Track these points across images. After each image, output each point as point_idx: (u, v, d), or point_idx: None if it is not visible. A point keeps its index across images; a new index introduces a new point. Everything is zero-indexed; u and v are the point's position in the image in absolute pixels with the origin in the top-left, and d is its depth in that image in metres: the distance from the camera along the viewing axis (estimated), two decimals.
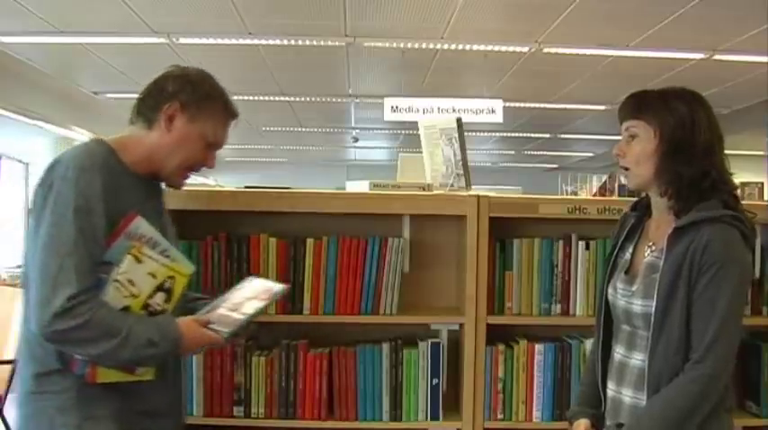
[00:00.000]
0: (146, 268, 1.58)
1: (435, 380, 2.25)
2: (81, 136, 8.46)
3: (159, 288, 1.61)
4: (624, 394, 1.65)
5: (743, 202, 1.61)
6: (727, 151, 1.63)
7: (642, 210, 1.74)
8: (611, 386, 1.70)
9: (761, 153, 10.20)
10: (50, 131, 8.03)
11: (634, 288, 1.64)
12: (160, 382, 1.65)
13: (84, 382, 1.55)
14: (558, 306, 2.31)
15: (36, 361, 1.58)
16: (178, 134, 1.68)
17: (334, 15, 5.40)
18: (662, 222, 1.64)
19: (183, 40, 5.89)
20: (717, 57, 6.14)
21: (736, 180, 1.70)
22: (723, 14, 5.09)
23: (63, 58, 6.83)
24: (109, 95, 8.41)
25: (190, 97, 1.68)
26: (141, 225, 1.58)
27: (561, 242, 2.32)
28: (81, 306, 1.46)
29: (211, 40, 5.89)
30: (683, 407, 1.49)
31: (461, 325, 2.28)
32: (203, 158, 1.75)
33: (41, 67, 6.97)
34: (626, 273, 1.69)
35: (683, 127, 1.57)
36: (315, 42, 6.01)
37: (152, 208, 1.70)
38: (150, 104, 1.69)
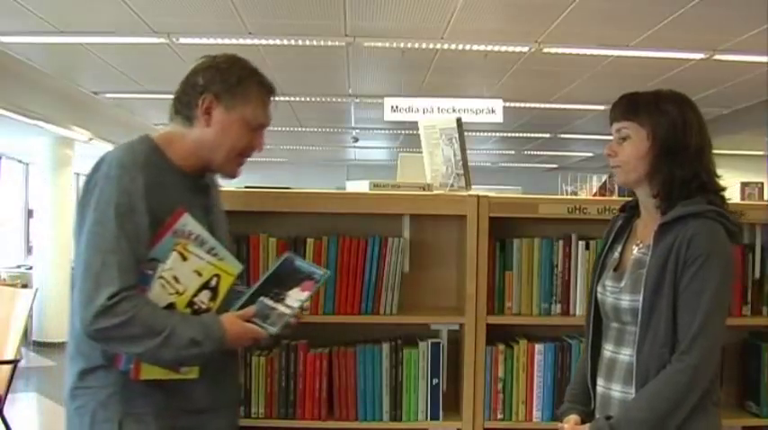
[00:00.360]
0: (191, 265, 1.56)
1: (435, 380, 2.25)
2: (81, 136, 8.45)
3: (205, 286, 1.59)
4: (613, 389, 1.66)
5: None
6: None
7: (631, 211, 1.77)
8: (600, 383, 1.72)
9: (761, 153, 10.18)
10: (50, 131, 8.01)
11: (622, 284, 1.66)
12: (205, 379, 1.63)
13: (127, 379, 1.55)
14: (558, 306, 2.32)
15: (82, 357, 1.59)
16: (219, 126, 1.66)
17: (335, 15, 5.40)
18: (650, 221, 1.67)
19: (183, 40, 5.87)
20: (717, 57, 6.13)
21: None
22: (723, 14, 5.09)
23: (63, 58, 6.82)
24: (109, 95, 8.38)
25: (222, 86, 1.66)
26: (188, 222, 1.56)
27: (561, 242, 2.32)
28: (123, 303, 1.46)
29: (211, 40, 5.87)
30: (669, 397, 1.51)
31: (461, 325, 2.28)
32: (250, 142, 1.72)
33: (41, 67, 6.96)
34: (614, 270, 1.72)
35: (675, 129, 1.60)
36: (315, 42, 6.00)
37: (199, 205, 1.69)
38: (185, 102, 1.67)
